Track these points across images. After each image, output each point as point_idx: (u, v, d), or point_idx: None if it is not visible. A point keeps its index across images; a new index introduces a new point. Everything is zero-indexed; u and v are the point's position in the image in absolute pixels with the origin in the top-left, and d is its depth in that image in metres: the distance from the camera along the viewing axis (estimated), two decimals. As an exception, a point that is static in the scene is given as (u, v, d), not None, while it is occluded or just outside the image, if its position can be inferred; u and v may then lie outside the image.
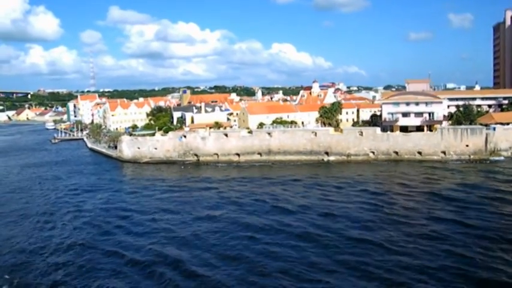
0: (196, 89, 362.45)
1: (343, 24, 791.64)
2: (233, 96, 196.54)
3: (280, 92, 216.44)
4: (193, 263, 40.70)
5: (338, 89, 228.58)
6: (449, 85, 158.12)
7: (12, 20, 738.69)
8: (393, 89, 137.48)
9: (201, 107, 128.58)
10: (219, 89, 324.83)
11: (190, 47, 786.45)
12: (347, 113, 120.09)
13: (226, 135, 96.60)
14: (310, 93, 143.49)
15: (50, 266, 41.92)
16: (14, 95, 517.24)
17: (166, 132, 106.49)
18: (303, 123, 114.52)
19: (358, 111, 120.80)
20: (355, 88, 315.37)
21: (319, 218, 52.59)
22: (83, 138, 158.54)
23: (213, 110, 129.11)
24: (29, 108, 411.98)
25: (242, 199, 63.48)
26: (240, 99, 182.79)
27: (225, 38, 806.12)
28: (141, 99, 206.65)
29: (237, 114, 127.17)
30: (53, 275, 39.82)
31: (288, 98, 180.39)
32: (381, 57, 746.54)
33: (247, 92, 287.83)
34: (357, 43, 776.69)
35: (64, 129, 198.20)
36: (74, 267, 41.26)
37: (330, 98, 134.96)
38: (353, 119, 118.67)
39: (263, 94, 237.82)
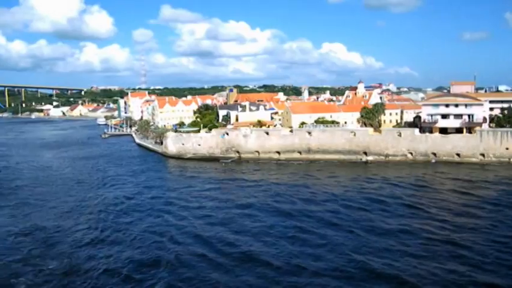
0: (245, 88, 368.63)
1: (395, 24, 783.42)
2: (280, 95, 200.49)
3: (328, 92, 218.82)
4: (237, 245, 45.15)
5: (387, 90, 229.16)
6: (501, 87, 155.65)
7: (68, 19, 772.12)
8: (444, 91, 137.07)
9: (245, 105, 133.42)
10: (268, 88, 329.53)
11: (240, 46, 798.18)
12: (390, 114, 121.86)
13: (267, 133, 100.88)
14: (356, 93, 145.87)
15: (105, 243, 47.21)
16: (69, 91, 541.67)
17: (210, 129, 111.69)
18: (345, 123, 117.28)
19: (402, 112, 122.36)
20: (405, 89, 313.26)
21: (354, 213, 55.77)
22: (131, 134, 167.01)
23: (258, 109, 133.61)
24: (82, 104, 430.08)
25: (280, 193, 67.46)
26: (287, 99, 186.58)
27: (276, 37, 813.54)
28: (189, 97, 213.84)
29: (281, 113, 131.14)
30: (108, 248, 45.52)
31: (334, 98, 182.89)
32: (433, 57, 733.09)
33: (296, 92, 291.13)
34: (409, 43, 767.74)
35: (114, 125, 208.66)
36: (132, 245, 46.45)
37: (374, 99, 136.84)
38: (396, 120, 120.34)
39: (311, 94, 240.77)
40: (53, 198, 69.80)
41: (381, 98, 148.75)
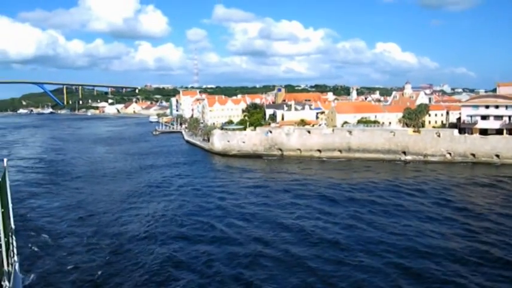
0: (296, 87, 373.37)
1: (452, 23, 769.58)
2: (329, 95, 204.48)
3: (378, 92, 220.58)
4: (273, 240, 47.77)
5: (440, 91, 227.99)
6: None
7: (124, 19, 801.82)
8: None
9: (291, 105, 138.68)
10: (319, 88, 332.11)
11: (293, 45, 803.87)
12: (436, 115, 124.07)
13: (309, 132, 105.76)
14: (403, 94, 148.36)
15: (158, 231, 51.29)
16: (124, 89, 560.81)
17: (255, 128, 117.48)
18: (390, 123, 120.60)
19: (447, 113, 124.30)
20: (460, 90, 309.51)
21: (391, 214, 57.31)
22: (181, 131, 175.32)
23: (303, 108, 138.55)
24: (136, 102, 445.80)
25: (322, 190, 70.87)
26: (335, 99, 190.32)
27: (329, 36, 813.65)
28: (239, 96, 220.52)
29: (327, 113, 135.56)
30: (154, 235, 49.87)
31: (382, 98, 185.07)
32: (491, 57, 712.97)
33: (347, 92, 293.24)
34: (466, 43, 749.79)
35: (165, 122, 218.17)
36: (181, 234, 50.50)
37: (421, 100, 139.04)
38: (442, 121, 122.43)
39: (362, 94, 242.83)
40: (105, 187, 76.89)
41: (429, 99, 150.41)
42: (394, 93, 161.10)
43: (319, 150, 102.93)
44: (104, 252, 44.58)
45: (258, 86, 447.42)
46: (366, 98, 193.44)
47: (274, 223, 53.54)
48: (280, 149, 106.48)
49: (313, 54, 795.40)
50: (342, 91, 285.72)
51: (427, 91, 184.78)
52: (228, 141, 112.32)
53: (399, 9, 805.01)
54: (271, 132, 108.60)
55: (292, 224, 52.89)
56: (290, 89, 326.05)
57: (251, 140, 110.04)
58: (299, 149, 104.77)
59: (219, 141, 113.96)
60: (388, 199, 64.44)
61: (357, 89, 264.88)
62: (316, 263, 41.17)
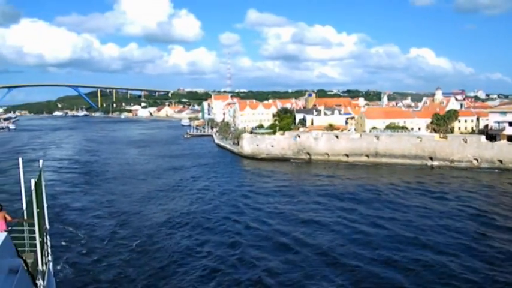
0: (329, 92, 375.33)
1: (488, 27, 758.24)
2: (360, 100, 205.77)
3: (409, 98, 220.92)
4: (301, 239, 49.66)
5: (474, 97, 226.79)
6: None
7: (157, 23, 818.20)
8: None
9: (320, 110, 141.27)
10: (352, 93, 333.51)
11: (326, 50, 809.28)
12: (466, 121, 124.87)
13: (336, 136, 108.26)
14: (433, 100, 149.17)
15: (187, 229, 53.92)
16: (157, 93, 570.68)
17: (284, 132, 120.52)
18: (419, 129, 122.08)
19: (478, 119, 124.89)
20: (495, 96, 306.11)
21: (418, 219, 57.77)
22: (212, 135, 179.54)
23: (332, 113, 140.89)
24: (168, 105, 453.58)
25: (350, 193, 73.06)
26: (366, 104, 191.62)
27: (362, 41, 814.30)
28: (270, 101, 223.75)
29: (356, 118, 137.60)
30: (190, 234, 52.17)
31: (413, 104, 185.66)
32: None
33: (379, 97, 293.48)
34: (502, 48, 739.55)
35: (197, 126, 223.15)
36: (208, 230, 53.68)
37: (452, 106, 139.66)
38: (472, 128, 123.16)
39: (395, 99, 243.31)
40: (136, 188, 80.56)
41: (461, 105, 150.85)
42: (424, 99, 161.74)
43: (347, 155, 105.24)
44: (135, 250, 46.74)
45: (290, 90, 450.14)
46: (396, 104, 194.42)
47: (304, 222, 55.91)
48: (308, 153, 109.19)
49: (346, 59, 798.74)
50: (374, 96, 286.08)
51: (459, 97, 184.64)
52: (257, 144, 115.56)
53: (433, 14, 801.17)
54: (299, 136, 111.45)
55: (322, 224, 55.36)
56: (322, 94, 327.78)
57: (280, 144, 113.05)
58: (327, 154, 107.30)
59: (248, 145, 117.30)
60: (414, 202, 66.39)
61: (389, 95, 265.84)
62: (354, 261, 42.94)
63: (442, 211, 61.12)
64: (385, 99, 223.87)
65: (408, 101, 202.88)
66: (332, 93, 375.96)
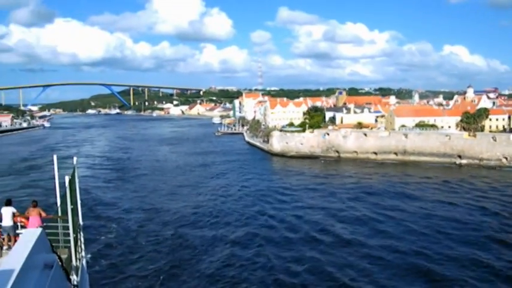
0: (360, 90, 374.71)
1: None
2: (391, 99, 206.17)
3: (441, 96, 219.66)
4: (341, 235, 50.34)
5: (509, 95, 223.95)
6: None
7: (189, 22, 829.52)
8: None
9: (350, 108, 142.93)
10: (383, 91, 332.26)
11: (357, 48, 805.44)
12: (497, 119, 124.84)
13: (365, 134, 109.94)
14: (464, 98, 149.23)
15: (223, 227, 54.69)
16: (188, 91, 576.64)
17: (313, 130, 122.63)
18: (449, 127, 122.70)
19: (510, 118, 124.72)
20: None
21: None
22: (242, 133, 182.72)
23: (362, 111, 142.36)
24: (200, 103, 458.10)
25: (379, 190, 74.48)
26: (397, 102, 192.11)
27: (394, 39, 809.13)
28: (301, 99, 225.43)
29: (386, 116, 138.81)
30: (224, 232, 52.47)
31: (444, 102, 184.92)
32: None
33: (411, 95, 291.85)
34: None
35: (228, 124, 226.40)
36: (236, 225, 55.07)
37: (484, 104, 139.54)
38: (503, 126, 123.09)
39: (427, 97, 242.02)
40: (166, 183, 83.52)
41: (493, 103, 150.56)
42: (455, 97, 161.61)
43: (375, 153, 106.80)
44: (166, 244, 47.84)
45: (321, 88, 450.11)
46: (427, 102, 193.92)
47: (335, 217, 57.77)
48: (337, 151, 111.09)
49: (378, 57, 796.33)
50: (406, 95, 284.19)
51: (492, 95, 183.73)
52: (287, 142, 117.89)
53: (467, 10, 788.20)
54: (328, 134, 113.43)
55: (354, 219, 56.65)
56: (353, 92, 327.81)
57: (309, 141, 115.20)
58: (355, 151, 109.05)
59: (278, 143, 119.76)
60: (439, 198, 67.69)
61: (421, 93, 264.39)
62: (389, 256, 43.70)
63: (471, 208, 61.54)
64: (416, 97, 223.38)
65: (440, 99, 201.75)
66: (364, 91, 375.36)
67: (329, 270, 40.53)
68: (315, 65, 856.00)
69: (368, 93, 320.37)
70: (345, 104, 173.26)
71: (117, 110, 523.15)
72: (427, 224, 54.36)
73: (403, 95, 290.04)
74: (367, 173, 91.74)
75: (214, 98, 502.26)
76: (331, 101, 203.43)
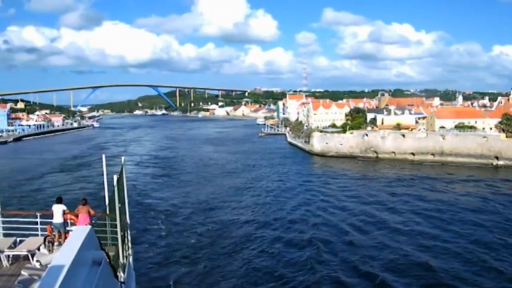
0: (406, 92, 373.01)
1: None
2: (435, 100, 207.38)
3: (487, 97, 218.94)
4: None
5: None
6: None
7: (234, 24, 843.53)
8: None
9: (390, 109, 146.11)
10: (429, 93, 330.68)
11: (404, 49, 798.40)
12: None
13: (403, 135, 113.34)
14: (508, 99, 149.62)
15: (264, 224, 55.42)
16: (233, 92, 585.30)
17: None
18: (491, 129, 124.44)
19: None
20: None
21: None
22: (285, 134, 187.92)
23: (403, 113, 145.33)
24: (245, 105, 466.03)
25: (418, 190, 76.07)
26: (440, 104, 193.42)
27: (442, 39, 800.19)
28: (344, 100, 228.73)
29: (426, 117, 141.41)
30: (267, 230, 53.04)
31: (489, 104, 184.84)
32: None
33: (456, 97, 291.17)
34: None
35: (271, 124, 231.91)
36: (280, 223, 55.29)
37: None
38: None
39: (474, 99, 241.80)
40: (210, 181, 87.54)
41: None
42: (499, 98, 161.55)
43: (413, 154, 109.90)
44: (211, 241, 48.35)
45: (366, 90, 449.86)
46: (472, 104, 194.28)
47: (373, 217, 57.87)
48: (376, 152, 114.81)
49: (425, 57, 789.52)
50: (452, 96, 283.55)
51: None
52: (327, 143, 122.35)
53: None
54: (367, 135, 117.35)
55: (391, 219, 57.02)
56: (399, 93, 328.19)
57: (348, 142, 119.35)
58: (393, 152, 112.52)
59: (318, 143, 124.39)
60: (479, 199, 68.32)
61: (468, 94, 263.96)
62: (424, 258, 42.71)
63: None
64: (460, 99, 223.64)
65: (485, 100, 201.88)
66: (409, 92, 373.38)
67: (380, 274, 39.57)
68: (360, 66, 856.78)
69: (413, 95, 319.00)
70: (387, 105, 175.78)
71: (163, 111, 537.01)
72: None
73: (449, 96, 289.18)
74: (405, 174, 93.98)
75: (259, 99, 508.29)
76: (373, 102, 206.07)
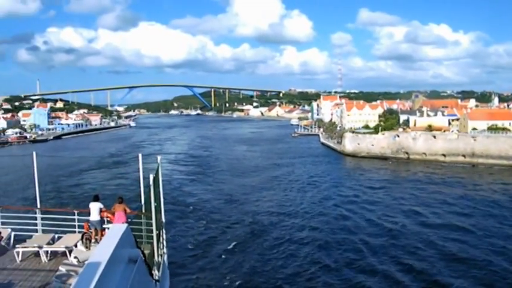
0: (442, 93, 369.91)
1: None
2: (471, 102, 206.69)
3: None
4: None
5: None
6: None
7: (269, 24, 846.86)
8: None
9: (423, 111, 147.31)
10: (466, 94, 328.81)
11: (441, 49, 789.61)
12: None
13: (434, 137, 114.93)
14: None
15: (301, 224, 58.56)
16: (268, 93, 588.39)
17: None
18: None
19: None
20: None
21: None
22: (318, 134, 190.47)
23: (435, 115, 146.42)
24: (279, 105, 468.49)
25: (449, 190, 76.98)
26: (476, 105, 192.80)
27: (480, 39, 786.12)
28: (378, 102, 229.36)
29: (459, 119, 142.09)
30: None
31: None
32: None
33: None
34: None
35: (304, 125, 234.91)
36: (312, 220, 57.09)
37: None
38: None
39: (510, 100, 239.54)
40: (244, 179, 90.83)
41: None
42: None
43: (444, 155, 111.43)
44: (246, 239, 49.16)
45: (402, 91, 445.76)
46: (508, 105, 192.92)
47: (407, 217, 59.02)
48: (407, 153, 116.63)
49: (462, 58, 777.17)
50: (489, 98, 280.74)
51: None
52: (358, 143, 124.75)
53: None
54: (398, 136, 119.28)
55: (426, 219, 57.70)
56: (435, 95, 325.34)
57: (379, 143, 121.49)
58: (424, 153, 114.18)
59: (350, 144, 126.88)
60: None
61: (506, 96, 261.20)
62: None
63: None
64: (495, 100, 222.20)
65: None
66: (446, 94, 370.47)
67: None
68: (396, 67, 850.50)
69: (450, 96, 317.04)
70: (421, 107, 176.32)
71: (198, 111, 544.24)
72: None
73: (487, 98, 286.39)
74: (436, 174, 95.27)
75: (294, 100, 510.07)
76: (407, 104, 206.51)
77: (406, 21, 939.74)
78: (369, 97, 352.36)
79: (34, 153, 20.17)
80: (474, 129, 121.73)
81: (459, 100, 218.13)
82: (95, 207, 17.77)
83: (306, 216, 60.18)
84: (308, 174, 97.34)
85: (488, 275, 39.17)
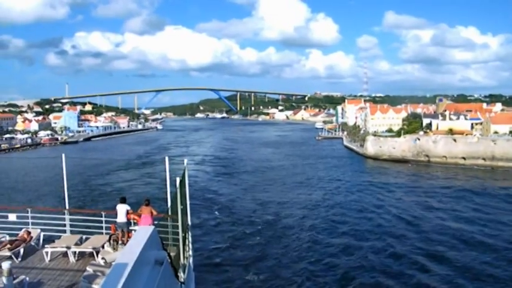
0: (469, 97, 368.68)
1: None
2: (497, 106, 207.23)
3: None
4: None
5: None
6: None
7: (295, 28, 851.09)
8: None
9: (446, 115, 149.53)
10: (494, 98, 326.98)
11: (469, 52, 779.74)
12: None
13: (454, 140, 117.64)
14: None
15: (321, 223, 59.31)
16: (293, 96, 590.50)
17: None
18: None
19: None
20: None
21: None
22: (342, 138, 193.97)
23: (458, 118, 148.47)
24: (304, 109, 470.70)
25: (470, 193, 78.14)
26: (502, 109, 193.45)
27: (509, 42, 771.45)
28: (402, 105, 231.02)
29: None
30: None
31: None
32: None
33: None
34: None
35: (329, 129, 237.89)
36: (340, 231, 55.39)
37: None
38: None
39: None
40: (268, 180, 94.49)
41: None
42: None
43: (464, 158, 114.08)
44: (272, 242, 49.65)
45: (428, 95, 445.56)
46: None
47: (427, 219, 60.20)
48: (427, 156, 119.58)
49: (491, 61, 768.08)
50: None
51: None
52: (380, 146, 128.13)
53: None
54: (419, 139, 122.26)
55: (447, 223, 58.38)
56: (462, 98, 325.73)
57: (401, 146, 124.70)
58: (445, 156, 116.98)
59: (371, 146, 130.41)
60: None
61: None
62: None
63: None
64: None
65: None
66: (473, 98, 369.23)
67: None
68: (423, 71, 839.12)
69: (477, 100, 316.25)
70: (444, 110, 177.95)
71: (224, 114, 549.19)
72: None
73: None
74: (457, 178, 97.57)
75: (319, 104, 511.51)
76: (432, 107, 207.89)
77: (433, 23, 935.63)
78: (394, 101, 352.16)
79: (63, 155, 20.93)
80: (495, 132, 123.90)
81: (485, 104, 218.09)
82: (121, 209, 18.20)
83: (330, 217, 61.70)
84: (330, 176, 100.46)
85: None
